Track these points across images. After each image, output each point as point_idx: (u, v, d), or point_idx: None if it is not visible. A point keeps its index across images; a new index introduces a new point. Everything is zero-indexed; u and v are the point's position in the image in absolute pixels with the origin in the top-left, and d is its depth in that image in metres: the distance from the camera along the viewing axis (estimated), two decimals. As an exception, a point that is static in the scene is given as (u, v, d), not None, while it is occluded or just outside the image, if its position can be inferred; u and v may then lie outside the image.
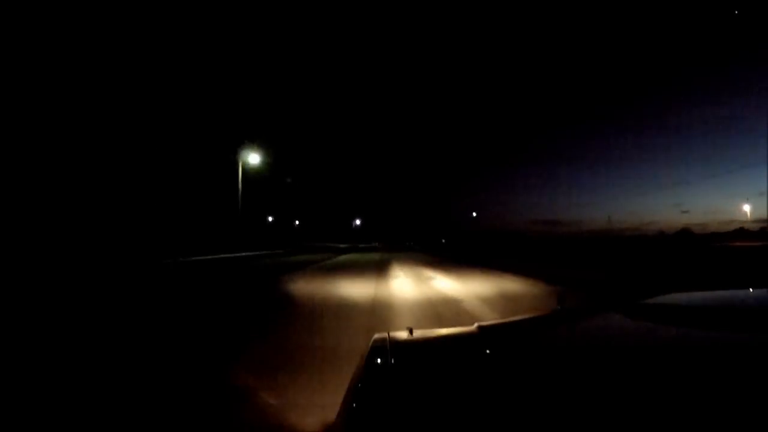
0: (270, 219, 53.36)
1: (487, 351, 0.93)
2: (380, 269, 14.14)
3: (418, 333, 1.10)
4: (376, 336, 1.04)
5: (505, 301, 6.82)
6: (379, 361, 0.86)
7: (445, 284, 9.44)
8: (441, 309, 6.09)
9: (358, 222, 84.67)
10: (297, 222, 67.70)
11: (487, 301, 6.75)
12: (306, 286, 9.43)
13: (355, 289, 8.59)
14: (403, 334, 1.06)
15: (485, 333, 1.05)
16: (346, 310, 6.04)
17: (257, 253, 28.36)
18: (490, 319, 1.30)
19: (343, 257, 24.58)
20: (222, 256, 23.51)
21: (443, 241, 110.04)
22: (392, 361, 0.85)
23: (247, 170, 30.27)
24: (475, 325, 1.10)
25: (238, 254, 25.65)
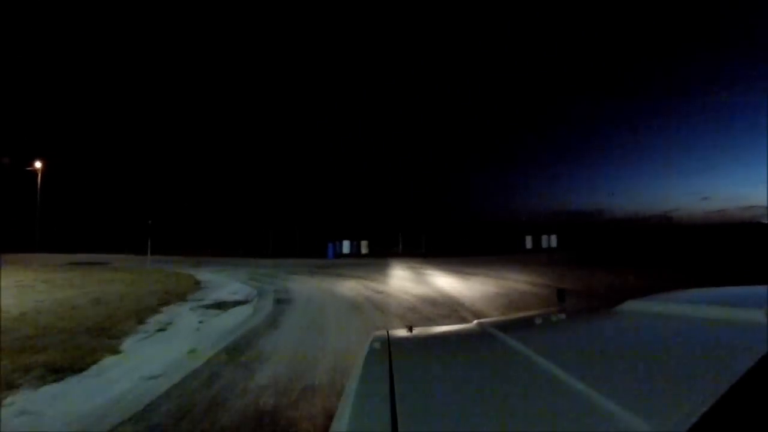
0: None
1: (486, 349, 0.96)
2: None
3: (417, 330, 1.15)
4: (376, 333, 1.07)
5: None
6: (378, 358, 0.88)
7: None
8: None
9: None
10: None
11: None
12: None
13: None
14: (402, 332, 1.09)
15: (484, 331, 1.09)
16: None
17: None
18: (490, 317, 1.33)
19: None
20: None
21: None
22: (391, 358, 0.86)
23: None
24: (475, 322, 1.17)
25: None
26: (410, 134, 56.71)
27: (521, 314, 1.40)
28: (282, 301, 8.40)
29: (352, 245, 26.96)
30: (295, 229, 27.67)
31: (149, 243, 15.46)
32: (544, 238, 32.55)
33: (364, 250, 27.04)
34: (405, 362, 0.87)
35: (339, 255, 24.80)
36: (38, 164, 29.62)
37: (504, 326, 1.15)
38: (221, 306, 8.15)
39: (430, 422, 0.60)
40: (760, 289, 1.26)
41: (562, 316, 1.35)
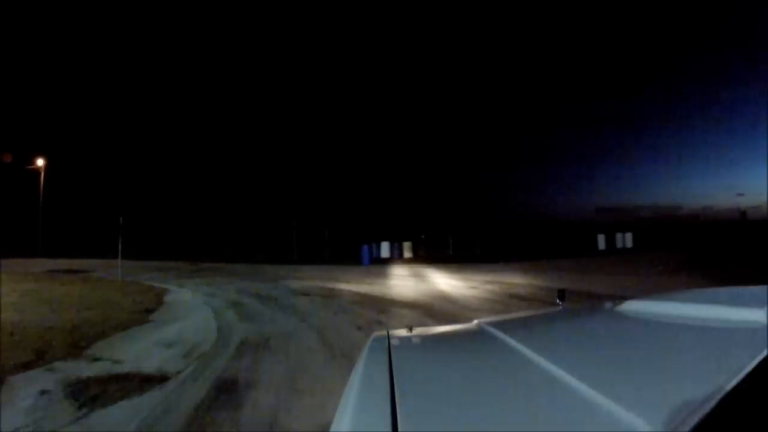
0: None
1: (486, 349, 0.95)
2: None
3: (417, 330, 1.13)
4: (375, 334, 1.04)
5: None
6: (378, 358, 0.85)
7: None
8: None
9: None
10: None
11: None
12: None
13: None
14: (402, 332, 1.07)
15: (484, 331, 1.06)
16: None
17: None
18: (490, 316, 1.28)
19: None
20: None
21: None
22: (391, 358, 0.84)
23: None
24: (475, 322, 1.13)
25: None
26: (461, 126, 51.11)
27: (521, 314, 1.40)
28: (227, 390, 3.78)
29: (392, 248, 22.05)
30: (325, 230, 23.34)
31: (120, 247, 11.72)
32: (618, 236, 26.24)
33: (407, 253, 22.10)
34: (405, 362, 0.86)
35: (376, 260, 20.11)
36: (40, 162, 25.62)
37: (504, 326, 1.14)
38: (102, 392, 3.72)
39: (431, 422, 0.60)
40: (760, 289, 1.24)
41: (562, 316, 1.35)
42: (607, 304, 1.26)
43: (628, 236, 26.33)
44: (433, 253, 23.38)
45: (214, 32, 47.29)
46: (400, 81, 50.51)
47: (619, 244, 25.56)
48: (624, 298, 1.27)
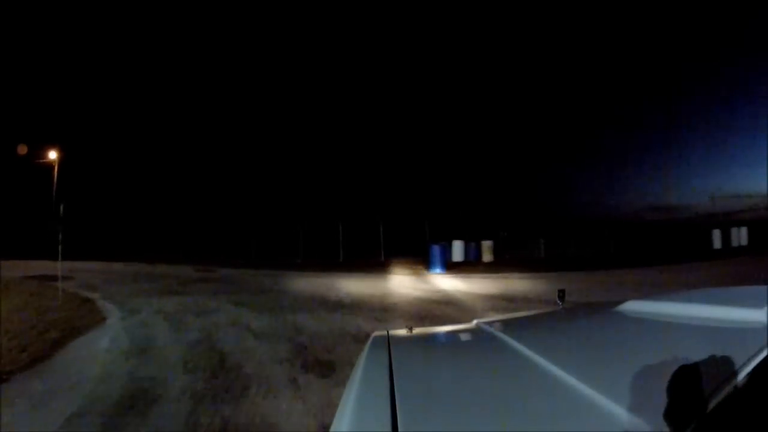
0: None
1: (486, 349, 0.94)
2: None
3: (417, 331, 1.12)
4: (376, 334, 1.04)
5: None
6: (378, 358, 0.85)
7: None
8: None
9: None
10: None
11: None
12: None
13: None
14: (402, 332, 1.07)
15: (484, 331, 1.07)
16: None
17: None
18: (489, 317, 1.28)
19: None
20: None
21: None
22: (391, 358, 0.84)
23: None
24: (474, 322, 1.14)
25: None
26: (537, 116, 43.69)
27: (521, 314, 1.37)
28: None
29: (467, 248, 16.66)
30: (379, 223, 18.50)
31: (60, 246, 7.84)
32: (734, 231, 20.58)
33: (486, 255, 16.59)
34: (405, 362, 0.85)
35: (448, 264, 14.87)
36: (53, 155, 23.54)
37: (504, 326, 1.12)
38: None
39: (430, 422, 0.59)
40: (760, 289, 1.22)
41: (562, 316, 1.33)
42: (607, 304, 1.25)
43: (743, 231, 21.00)
44: (519, 254, 17.74)
45: (231, 26, 44.32)
46: (475, 68, 44.62)
47: (734, 242, 20.27)
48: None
